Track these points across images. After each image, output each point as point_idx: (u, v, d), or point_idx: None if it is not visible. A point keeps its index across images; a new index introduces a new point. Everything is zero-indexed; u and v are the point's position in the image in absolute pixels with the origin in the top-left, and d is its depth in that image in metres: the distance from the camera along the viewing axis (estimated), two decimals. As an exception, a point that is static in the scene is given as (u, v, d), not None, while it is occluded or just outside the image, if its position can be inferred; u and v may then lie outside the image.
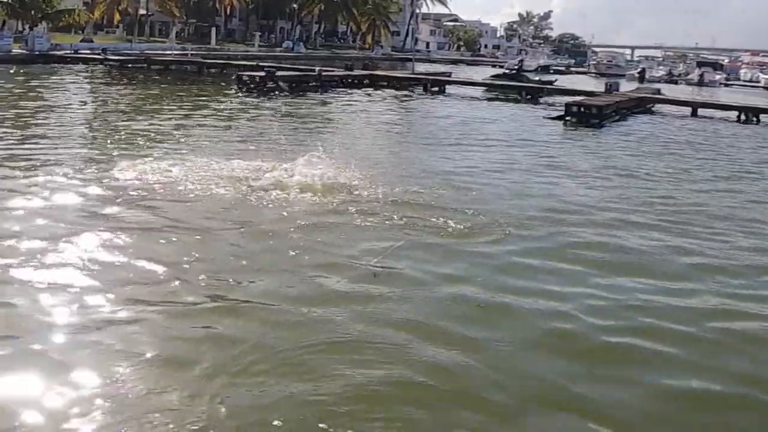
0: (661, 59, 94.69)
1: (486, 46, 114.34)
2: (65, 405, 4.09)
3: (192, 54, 45.30)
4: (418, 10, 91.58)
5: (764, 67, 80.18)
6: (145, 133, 14.83)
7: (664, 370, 5.15)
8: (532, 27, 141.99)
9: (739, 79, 74.08)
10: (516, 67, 46.73)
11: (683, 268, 7.67)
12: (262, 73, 29.08)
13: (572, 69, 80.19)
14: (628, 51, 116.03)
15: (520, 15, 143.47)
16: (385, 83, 34.91)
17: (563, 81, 45.78)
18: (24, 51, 37.96)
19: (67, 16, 46.86)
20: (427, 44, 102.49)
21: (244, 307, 5.72)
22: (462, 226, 8.34)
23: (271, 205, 8.83)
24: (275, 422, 4.01)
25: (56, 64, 36.06)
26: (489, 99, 31.95)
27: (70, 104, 20.84)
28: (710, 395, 4.88)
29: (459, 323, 5.66)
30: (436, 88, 33.85)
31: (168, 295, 5.90)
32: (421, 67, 50.46)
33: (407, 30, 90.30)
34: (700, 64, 76.60)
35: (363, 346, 5.08)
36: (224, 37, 68.98)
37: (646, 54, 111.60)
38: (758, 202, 11.65)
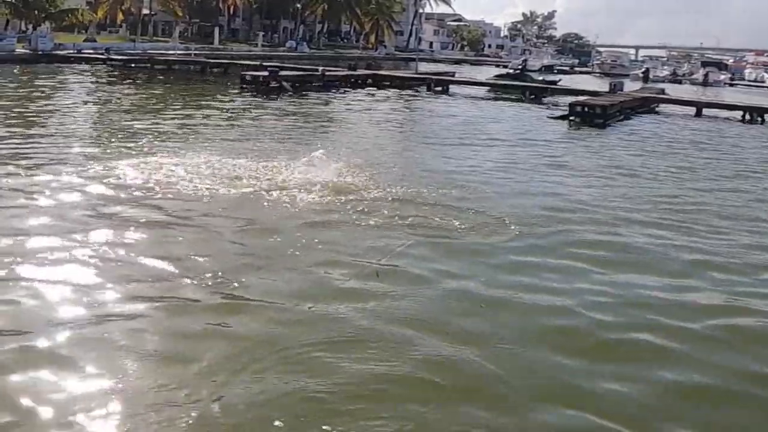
0: (665, 59, 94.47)
1: (490, 46, 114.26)
2: (70, 399, 4.11)
3: (195, 54, 45.35)
4: (421, 10, 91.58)
5: (769, 66, 79.97)
6: (149, 132, 14.84)
7: (667, 365, 5.15)
8: (535, 27, 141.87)
9: (743, 79, 73.86)
10: (520, 67, 46.69)
11: (687, 265, 7.66)
12: (266, 73, 29.08)
13: (576, 69, 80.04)
14: (632, 51, 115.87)
15: (523, 15, 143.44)
16: (388, 83, 34.88)
17: (567, 81, 45.69)
18: (27, 51, 38.07)
19: (70, 15, 46.98)
20: (431, 44, 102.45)
21: (249, 305, 5.73)
22: (466, 225, 8.35)
23: (274, 204, 8.82)
24: (279, 419, 4.02)
25: (60, 64, 36.12)
26: (492, 99, 31.89)
27: (74, 104, 20.86)
28: (711, 390, 4.88)
29: (464, 320, 5.67)
30: (440, 88, 33.83)
31: (172, 291, 5.91)
32: (425, 67, 50.48)
33: (411, 30, 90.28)
34: (704, 64, 76.42)
35: (368, 343, 5.08)
36: (227, 37, 69.05)
37: (650, 54, 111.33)
38: (763, 201, 11.62)
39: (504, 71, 47.26)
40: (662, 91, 37.07)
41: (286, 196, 9.15)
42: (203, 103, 23.12)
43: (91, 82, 29.53)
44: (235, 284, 6.11)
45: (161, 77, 33.39)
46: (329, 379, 4.49)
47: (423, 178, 11.04)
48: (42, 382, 4.31)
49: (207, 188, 9.38)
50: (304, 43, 67.66)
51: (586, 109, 23.22)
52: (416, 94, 32.26)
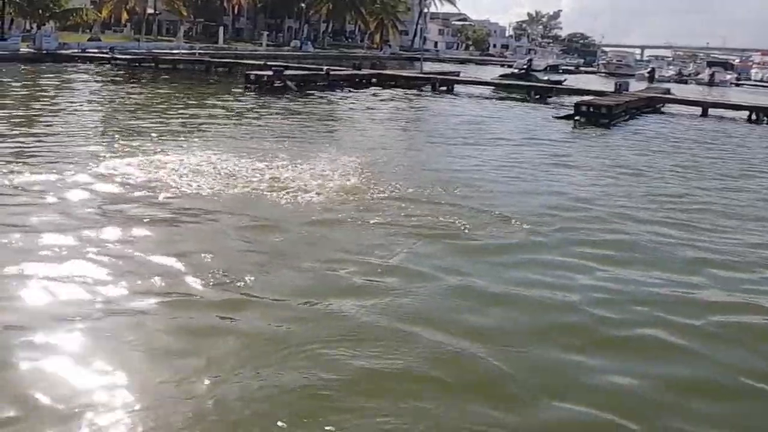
0: (671, 59, 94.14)
1: (495, 46, 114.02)
2: (76, 393, 4.12)
3: (200, 53, 45.35)
4: (426, 10, 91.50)
5: (776, 66, 79.59)
6: (153, 131, 14.85)
7: (672, 360, 5.16)
8: (540, 26, 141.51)
9: (750, 79, 73.55)
10: (525, 66, 46.49)
11: (691, 262, 7.66)
12: (270, 73, 29.07)
13: (582, 68, 79.84)
14: (637, 51, 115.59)
15: (529, 14, 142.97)
16: (393, 82, 34.79)
17: (572, 81, 45.62)
18: (32, 50, 38.10)
19: (74, 15, 47.03)
20: (436, 44, 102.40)
21: (255, 301, 5.72)
22: (472, 223, 8.32)
23: (279, 203, 8.82)
24: (283, 416, 4.00)
25: (64, 64, 36.15)
26: (497, 98, 31.81)
27: (79, 103, 20.91)
28: (715, 385, 4.87)
29: (470, 316, 5.68)
30: (445, 88, 33.76)
31: (178, 288, 5.91)
32: (429, 67, 50.47)
33: (416, 29, 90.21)
34: (710, 64, 76.11)
35: (373, 340, 5.08)
36: (232, 37, 69.08)
37: (656, 54, 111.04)
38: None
39: (509, 71, 47.09)
40: (668, 91, 36.92)
41: (291, 194, 9.14)
42: (208, 102, 23.14)
43: (96, 82, 29.56)
44: (240, 281, 6.10)
45: (166, 77, 33.40)
46: (333, 376, 4.48)
47: (429, 178, 11.02)
48: (48, 376, 4.31)
49: (211, 187, 9.37)
50: (309, 43, 67.58)
51: (591, 108, 23.12)
52: (421, 93, 32.21)
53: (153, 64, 38.00)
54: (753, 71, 79.89)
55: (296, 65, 37.68)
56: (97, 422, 3.83)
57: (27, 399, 4.04)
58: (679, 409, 4.46)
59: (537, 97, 31.73)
